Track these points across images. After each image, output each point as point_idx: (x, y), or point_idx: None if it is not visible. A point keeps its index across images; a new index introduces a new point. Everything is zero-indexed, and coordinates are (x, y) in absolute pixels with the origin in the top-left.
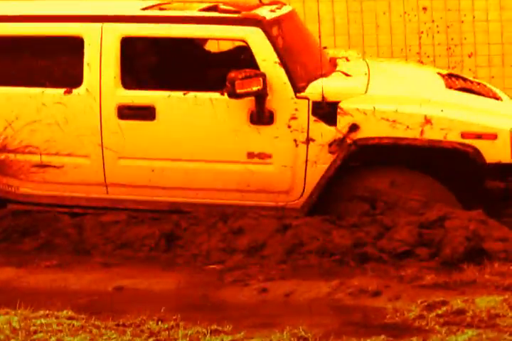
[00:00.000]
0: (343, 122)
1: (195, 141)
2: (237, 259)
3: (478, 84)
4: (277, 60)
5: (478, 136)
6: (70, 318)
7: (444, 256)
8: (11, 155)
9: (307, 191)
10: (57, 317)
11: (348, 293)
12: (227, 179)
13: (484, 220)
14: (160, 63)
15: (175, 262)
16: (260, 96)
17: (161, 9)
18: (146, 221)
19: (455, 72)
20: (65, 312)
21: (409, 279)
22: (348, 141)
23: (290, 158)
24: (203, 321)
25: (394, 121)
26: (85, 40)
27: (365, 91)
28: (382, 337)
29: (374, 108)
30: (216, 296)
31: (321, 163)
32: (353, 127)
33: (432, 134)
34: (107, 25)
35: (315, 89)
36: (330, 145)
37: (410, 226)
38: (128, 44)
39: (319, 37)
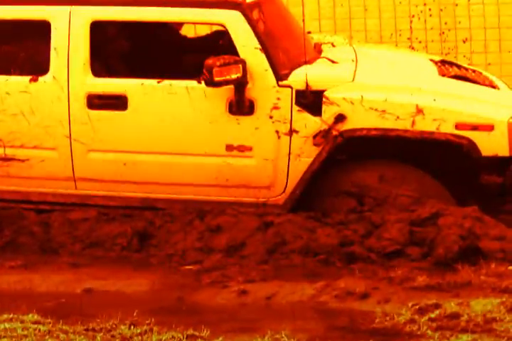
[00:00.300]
0: (328, 112)
1: (170, 133)
2: (215, 259)
3: (474, 71)
4: (258, 45)
5: (474, 127)
6: (35, 322)
7: (437, 255)
8: None
9: (290, 186)
10: (22, 322)
11: (334, 295)
12: (204, 173)
13: (480, 217)
14: (132, 49)
15: (148, 262)
16: (240, 85)
17: None
18: (118, 218)
19: (449, 58)
20: (30, 316)
21: (399, 280)
22: (334, 132)
23: (272, 150)
24: (178, 325)
25: (383, 111)
26: (52, 25)
27: (353, 80)
28: None
29: (362, 97)
30: (192, 299)
31: (305, 156)
32: (340, 117)
33: (424, 125)
34: (75, 8)
35: (298, 77)
36: (314, 137)
37: (401, 224)
38: (98, 28)
39: (303, 21)
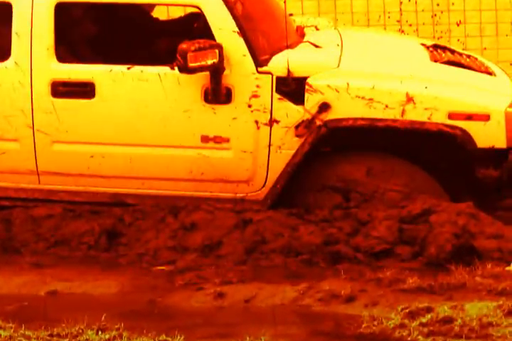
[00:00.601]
0: (311, 101)
1: (140, 123)
2: (190, 259)
3: (468, 56)
4: (236, 28)
5: (468, 117)
6: None
7: (429, 255)
8: None
9: (270, 180)
10: None
11: (318, 298)
12: (177, 167)
13: (475, 214)
14: (100, 33)
15: (117, 262)
16: (216, 71)
17: None
18: (85, 215)
19: (441, 42)
20: None
21: (388, 282)
22: (318, 122)
23: (250, 142)
24: (149, 331)
25: (371, 99)
26: (14, 6)
27: (338, 65)
28: None
29: (348, 84)
30: (165, 302)
31: (286, 147)
32: (324, 106)
33: (415, 115)
34: None
35: (279, 63)
36: (297, 127)
37: (390, 221)
38: (63, 11)
39: (284, 2)
